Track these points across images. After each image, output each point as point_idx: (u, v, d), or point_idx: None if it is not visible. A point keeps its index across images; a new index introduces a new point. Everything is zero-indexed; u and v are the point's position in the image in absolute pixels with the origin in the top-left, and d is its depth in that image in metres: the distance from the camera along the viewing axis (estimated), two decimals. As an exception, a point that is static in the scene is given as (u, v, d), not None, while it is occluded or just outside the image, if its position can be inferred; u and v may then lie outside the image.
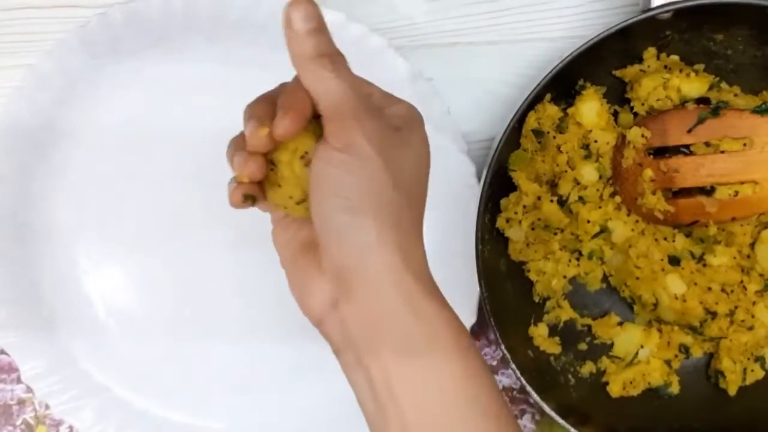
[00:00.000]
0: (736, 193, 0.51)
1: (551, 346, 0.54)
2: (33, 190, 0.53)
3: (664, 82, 0.51)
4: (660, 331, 0.55)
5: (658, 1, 0.47)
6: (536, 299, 0.54)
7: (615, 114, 0.54)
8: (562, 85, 0.50)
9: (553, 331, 0.55)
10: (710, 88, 0.52)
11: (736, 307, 0.53)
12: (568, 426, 0.50)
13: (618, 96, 0.54)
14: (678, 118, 0.51)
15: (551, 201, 0.52)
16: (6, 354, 0.53)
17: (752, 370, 0.54)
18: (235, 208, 0.37)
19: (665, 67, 0.52)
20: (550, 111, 0.51)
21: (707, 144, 0.51)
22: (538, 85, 0.48)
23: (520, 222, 0.52)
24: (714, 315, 0.53)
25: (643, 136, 0.51)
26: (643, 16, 0.47)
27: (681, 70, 0.52)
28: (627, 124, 0.53)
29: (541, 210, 0.52)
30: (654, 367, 0.54)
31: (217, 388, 0.54)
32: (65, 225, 0.53)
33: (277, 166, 0.36)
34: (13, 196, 0.52)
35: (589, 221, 0.52)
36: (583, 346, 0.55)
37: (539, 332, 0.54)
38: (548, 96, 0.51)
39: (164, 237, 0.53)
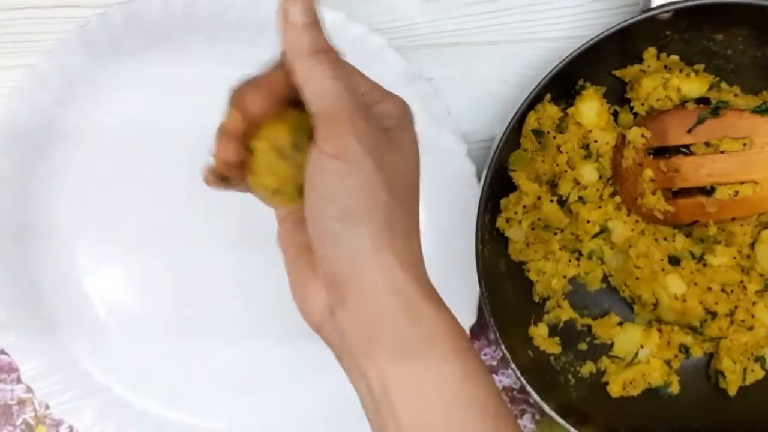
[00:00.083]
0: (736, 193, 0.51)
1: (551, 346, 0.54)
2: (33, 190, 0.53)
3: (664, 82, 0.51)
4: (660, 331, 0.55)
5: (658, 1, 0.47)
6: (536, 299, 0.54)
7: (615, 114, 0.54)
8: (562, 85, 0.50)
9: (553, 331, 0.55)
10: (710, 88, 0.52)
11: (736, 307, 0.53)
12: (568, 426, 0.50)
13: (618, 96, 0.54)
14: (678, 118, 0.51)
15: (551, 201, 0.52)
16: (6, 354, 0.53)
17: (752, 370, 0.54)
18: (207, 185, 0.37)
19: (665, 67, 0.52)
20: (550, 111, 0.51)
21: (707, 144, 0.51)
22: (538, 85, 0.48)
23: (520, 222, 0.52)
24: (714, 315, 0.53)
25: (643, 136, 0.51)
26: (643, 16, 0.47)
27: (681, 70, 0.52)
28: (627, 124, 0.53)
29: (541, 210, 0.52)
30: (654, 367, 0.54)
31: (217, 388, 0.54)
32: (65, 225, 0.53)
33: (253, 153, 0.36)
34: (13, 196, 0.52)
35: (589, 221, 0.52)
36: (583, 346, 0.55)
37: (539, 332, 0.54)
38: (548, 96, 0.51)
39: (164, 237, 0.53)
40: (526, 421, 0.57)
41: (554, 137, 0.52)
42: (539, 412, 0.57)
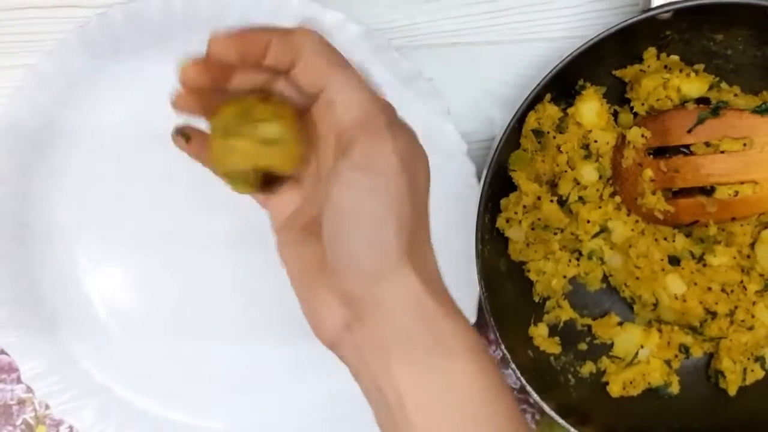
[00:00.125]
0: (736, 193, 0.51)
1: (551, 346, 0.54)
2: (33, 190, 0.53)
3: (664, 82, 0.51)
4: (660, 331, 0.55)
5: (658, 1, 0.47)
6: (536, 299, 0.54)
7: (615, 114, 0.54)
8: (562, 85, 0.50)
9: (553, 331, 0.55)
10: (710, 88, 0.52)
11: (736, 307, 0.53)
12: (568, 426, 0.50)
13: (618, 96, 0.54)
14: (678, 118, 0.51)
15: (551, 201, 0.52)
16: (6, 354, 0.53)
17: (752, 370, 0.54)
18: (174, 142, 0.37)
19: (665, 67, 0.52)
20: (550, 111, 0.51)
21: (707, 144, 0.51)
22: (538, 85, 0.48)
23: (520, 222, 0.52)
24: (714, 315, 0.53)
25: (643, 136, 0.51)
26: (643, 16, 0.47)
27: (681, 70, 0.52)
28: (627, 124, 0.53)
29: (541, 210, 0.52)
30: (654, 367, 0.54)
31: (217, 388, 0.54)
32: (65, 225, 0.53)
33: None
34: (14, 196, 0.52)
35: (589, 221, 0.52)
36: (583, 346, 0.55)
37: (539, 332, 0.54)
38: (548, 96, 0.51)
39: (164, 237, 0.53)
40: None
41: (554, 137, 0.52)
42: (539, 412, 0.57)
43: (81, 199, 0.53)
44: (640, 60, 0.52)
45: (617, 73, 0.53)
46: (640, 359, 0.54)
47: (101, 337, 0.54)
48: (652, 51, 0.52)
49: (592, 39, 0.47)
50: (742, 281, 0.52)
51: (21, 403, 0.55)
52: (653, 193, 0.52)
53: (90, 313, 0.54)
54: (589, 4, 0.54)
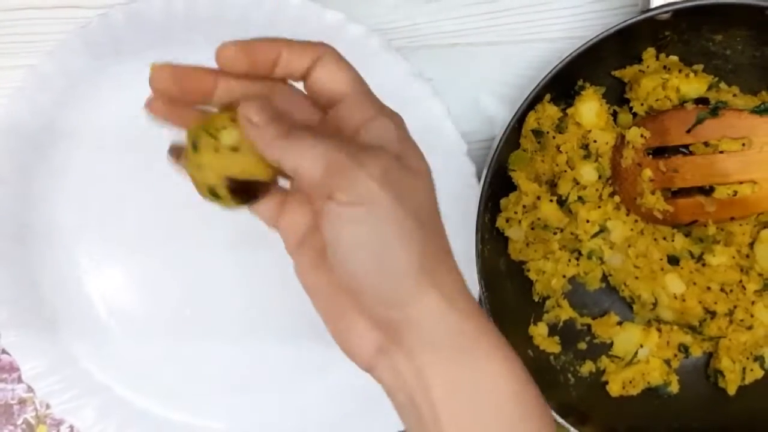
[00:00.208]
0: (735, 192, 0.51)
1: (551, 346, 0.54)
2: (34, 190, 0.53)
3: (663, 82, 0.51)
4: (659, 330, 0.55)
5: (657, 1, 0.47)
6: (536, 299, 0.55)
7: (614, 114, 0.54)
8: (561, 85, 0.51)
9: (552, 330, 0.55)
10: (709, 88, 0.52)
11: (735, 307, 0.53)
12: (567, 425, 0.50)
13: (617, 96, 0.54)
14: (677, 119, 0.51)
15: (551, 201, 0.52)
16: (7, 353, 0.53)
17: (751, 370, 0.54)
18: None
19: (664, 67, 0.52)
20: (549, 111, 0.51)
21: (706, 144, 0.51)
22: (538, 85, 0.48)
23: (519, 222, 0.52)
24: (713, 314, 0.53)
25: (642, 136, 0.51)
26: (642, 16, 0.47)
27: (680, 71, 0.52)
28: (626, 124, 0.53)
29: (540, 210, 0.52)
30: (653, 367, 0.54)
31: (217, 388, 0.54)
32: (66, 225, 0.53)
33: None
34: (14, 197, 0.52)
35: (588, 221, 0.52)
36: (582, 346, 0.55)
37: (539, 331, 0.54)
38: (548, 96, 0.51)
39: (164, 237, 0.53)
40: (525, 421, 0.57)
41: (554, 137, 0.52)
42: (539, 412, 0.57)
43: (82, 200, 0.53)
44: (640, 60, 0.52)
45: (616, 73, 0.53)
46: (639, 359, 0.54)
47: (102, 336, 0.54)
48: (651, 51, 0.52)
49: (591, 39, 0.47)
50: (741, 281, 0.53)
51: (22, 402, 0.55)
52: (652, 192, 0.52)
53: (90, 313, 0.54)
54: (588, 5, 0.54)
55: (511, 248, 0.53)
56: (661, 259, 0.52)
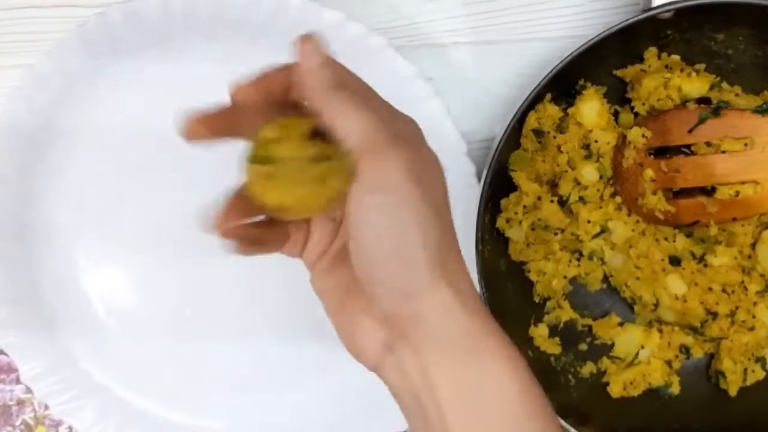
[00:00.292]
0: (737, 193, 0.51)
1: (551, 347, 0.54)
2: (32, 190, 0.53)
3: (664, 81, 0.51)
4: (660, 331, 0.55)
5: (659, 0, 0.47)
6: (536, 299, 0.54)
7: (615, 114, 0.53)
8: (562, 84, 0.50)
9: (553, 331, 0.55)
10: (711, 87, 0.52)
11: (736, 308, 0.53)
12: (568, 426, 0.50)
13: (618, 96, 0.54)
14: (679, 118, 0.51)
15: (551, 201, 0.52)
16: (5, 354, 0.53)
17: (753, 371, 0.54)
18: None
19: (666, 66, 0.52)
20: (550, 111, 0.51)
21: (708, 144, 0.51)
22: (539, 85, 0.47)
23: (520, 222, 0.52)
24: (715, 315, 0.53)
25: (643, 136, 0.51)
26: (644, 15, 0.47)
27: (682, 70, 0.52)
28: (627, 124, 0.53)
29: (541, 210, 0.52)
30: (654, 368, 0.54)
31: (217, 388, 0.55)
32: (65, 225, 0.53)
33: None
34: (13, 197, 0.52)
35: (589, 221, 0.52)
36: (583, 347, 0.55)
37: (539, 332, 0.54)
38: (548, 96, 0.51)
39: (164, 237, 0.53)
40: (526, 422, 0.57)
41: (554, 137, 0.52)
42: (539, 413, 0.57)
43: (80, 199, 0.53)
44: (641, 60, 0.52)
45: (618, 72, 0.53)
46: (640, 360, 0.54)
47: (101, 337, 0.54)
48: (652, 51, 0.52)
49: (592, 38, 0.47)
50: (742, 281, 0.52)
51: (20, 403, 0.55)
52: (654, 193, 0.52)
53: (89, 313, 0.54)
54: (589, 4, 0.54)
55: (512, 249, 0.53)
56: (663, 260, 0.52)
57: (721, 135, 0.50)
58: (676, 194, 0.52)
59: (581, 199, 0.52)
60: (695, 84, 0.51)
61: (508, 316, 0.51)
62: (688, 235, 0.53)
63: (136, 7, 0.50)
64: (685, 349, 0.55)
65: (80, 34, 0.50)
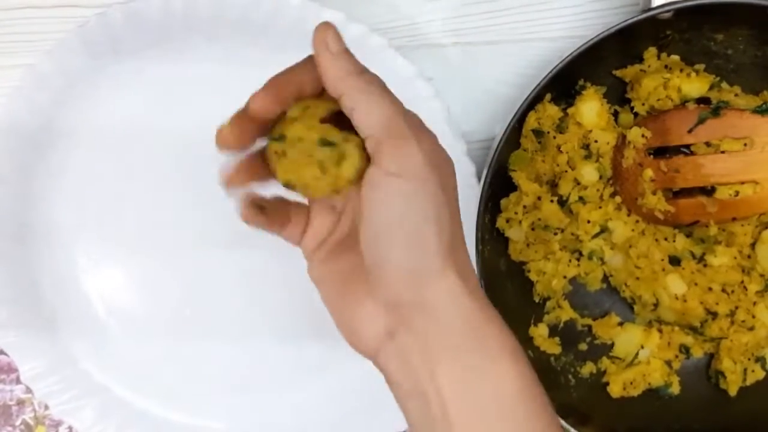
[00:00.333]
0: (737, 193, 0.51)
1: (551, 347, 0.54)
2: (33, 190, 0.53)
3: (664, 81, 0.51)
4: (660, 331, 0.55)
5: (659, 0, 0.47)
6: (536, 299, 0.54)
7: (615, 114, 0.54)
8: (562, 85, 0.50)
9: (553, 331, 0.55)
10: (711, 87, 0.52)
11: (736, 308, 0.53)
12: (568, 426, 0.50)
13: (618, 96, 0.54)
14: (678, 118, 0.51)
15: (551, 201, 0.52)
16: (5, 354, 0.53)
17: (753, 371, 0.54)
18: (246, 222, 0.36)
19: (666, 66, 0.52)
20: (550, 111, 0.51)
21: (708, 144, 0.51)
22: (538, 85, 0.47)
23: (520, 222, 0.52)
24: (714, 315, 0.53)
25: (643, 136, 0.51)
26: (644, 15, 0.47)
27: (681, 70, 0.52)
28: (627, 124, 0.53)
29: (541, 210, 0.52)
30: (654, 368, 0.54)
31: (217, 388, 0.55)
32: (65, 225, 0.53)
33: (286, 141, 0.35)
34: (13, 197, 0.52)
35: (589, 221, 0.52)
36: (583, 347, 0.55)
37: (539, 332, 0.54)
38: (548, 96, 0.51)
39: (164, 237, 0.53)
40: (526, 422, 0.57)
41: (554, 137, 0.52)
42: (539, 413, 0.57)
43: (80, 199, 0.53)
44: (641, 60, 0.52)
45: (617, 72, 0.53)
46: (640, 359, 0.54)
47: (101, 337, 0.54)
48: (652, 51, 0.52)
49: (592, 39, 0.47)
50: (742, 281, 0.52)
51: (20, 403, 0.55)
52: (654, 193, 0.52)
53: (90, 313, 0.54)
54: (589, 4, 0.54)
55: (512, 249, 0.53)
56: (663, 260, 0.52)
57: (720, 135, 0.50)
58: (675, 194, 0.52)
59: (581, 199, 0.52)
60: (695, 84, 0.51)
61: (508, 316, 0.50)
62: (688, 235, 0.53)
63: (136, 8, 0.50)
64: (685, 349, 0.55)
65: (81, 35, 0.50)
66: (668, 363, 0.55)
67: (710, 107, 0.51)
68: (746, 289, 0.52)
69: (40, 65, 0.51)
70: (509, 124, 0.48)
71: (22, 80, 0.51)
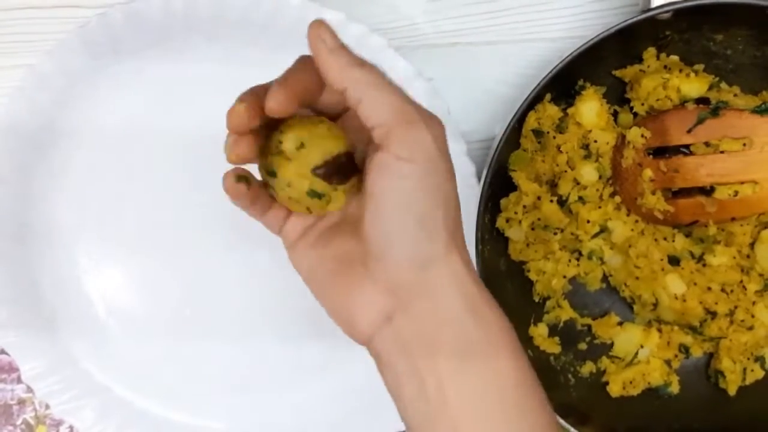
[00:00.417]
0: (736, 193, 0.51)
1: (551, 346, 0.54)
2: (33, 190, 0.53)
3: (663, 82, 0.51)
4: (660, 330, 0.55)
5: (658, 1, 0.47)
6: (536, 299, 0.54)
7: (615, 114, 0.54)
8: (562, 85, 0.50)
9: (553, 330, 0.55)
10: (710, 88, 0.52)
11: (735, 307, 0.53)
12: (567, 426, 0.50)
13: (618, 96, 0.54)
14: (678, 118, 0.51)
15: (551, 201, 0.52)
16: (6, 354, 0.53)
17: (752, 370, 0.54)
18: (230, 195, 0.36)
19: (665, 67, 0.52)
20: (550, 111, 0.51)
21: (707, 144, 0.51)
22: (538, 85, 0.48)
23: (520, 222, 0.52)
24: (714, 315, 0.53)
25: (642, 136, 0.51)
26: (643, 16, 0.47)
27: (681, 70, 0.52)
28: (627, 124, 0.53)
29: (540, 210, 0.52)
30: (654, 367, 0.54)
31: (217, 388, 0.55)
32: (65, 225, 0.53)
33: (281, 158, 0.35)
34: (14, 197, 0.52)
35: (588, 221, 0.52)
36: (583, 346, 0.55)
37: (539, 332, 0.54)
38: (548, 96, 0.51)
39: (164, 237, 0.53)
40: (526, 421, 0.57)
41: (554, 137, 0.52)
42: (539, 412, 0.57)
43: (81, 200, 0.53)
44: (640, 60, 0.52)
45: (617, 73, 0.53)
46: (639, 359, 0.54)
47: (101, 336, 0.54)
48: (651, 51, 0.52)
49: (591, 39, 0.47)
50: (741, 281, 0.53)
51: (21, 402, 0.55)
52: (653, 193, 0.52)
53: (90, 313, 0.54)
54: (588, 4, 0.54)
55: (512, 248, 0.53)
56: (662, 260, 0.52)
57: (719, 135, 0.50)
58: (675, 194, 0.52)
59: (581, 198, 0.52)
60: (694, 84, 0.52)
61: (508, 316, 0.50)
62: (687, 235, 0.53)
63: (137, 8, 0.50)
64: (685, 349, 0.55)
65: (81, 35, 0.50)
66: (668, 362, 0.55)
67: (709, 107, 0.51)
68: (745, 289, 0.53)
69: (41, 65, 0.51)
70: (509, 124, 0.48)
71: (22, 80, 0.51)
